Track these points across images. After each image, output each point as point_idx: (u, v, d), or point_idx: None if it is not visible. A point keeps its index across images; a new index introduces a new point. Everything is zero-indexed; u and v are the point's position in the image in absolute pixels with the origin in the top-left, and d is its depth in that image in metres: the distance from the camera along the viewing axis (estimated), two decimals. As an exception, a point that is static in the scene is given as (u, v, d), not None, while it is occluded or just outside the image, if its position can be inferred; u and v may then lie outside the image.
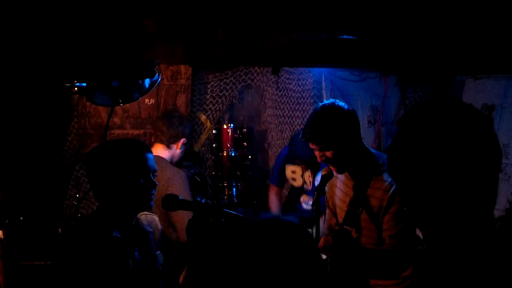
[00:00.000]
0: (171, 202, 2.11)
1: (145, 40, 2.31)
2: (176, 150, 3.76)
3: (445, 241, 1.22)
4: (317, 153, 2.71)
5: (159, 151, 3.69)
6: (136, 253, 2.19)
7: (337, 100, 2.73)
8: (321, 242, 2.70)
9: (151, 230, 2.35)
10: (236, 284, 1.21)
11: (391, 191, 2.61)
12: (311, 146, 2.71)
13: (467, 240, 1.19)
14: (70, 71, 2.91)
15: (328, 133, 2.62)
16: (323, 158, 2.68)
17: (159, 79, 3.15)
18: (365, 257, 2.71)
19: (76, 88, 3.71)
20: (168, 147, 3.73)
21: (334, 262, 2.75)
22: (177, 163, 3.93)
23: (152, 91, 4.79)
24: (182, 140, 3.76)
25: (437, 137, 1.21)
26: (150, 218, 2.40)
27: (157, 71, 3.11)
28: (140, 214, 2.32)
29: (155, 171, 2.24)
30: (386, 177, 2.65)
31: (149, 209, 2.23)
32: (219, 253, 1.32)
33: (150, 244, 2.29)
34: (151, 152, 2.27)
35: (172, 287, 2.38)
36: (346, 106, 2.69)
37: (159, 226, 2.43)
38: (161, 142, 3.73)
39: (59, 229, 3.68)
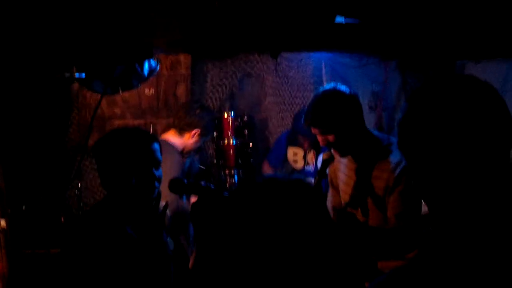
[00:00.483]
0: (177, 186, 2.13)
1: (143, 23, 2.29)
2: (189, 139, 3.77)
3: (452, 217, 1.21)
4: (319, 137, 2.71)
5: (170, 136, 3.72)
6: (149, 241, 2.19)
7: (338, 84, 2.71)
8: None
9: (164, 218, 2.34)
10: (247, 251, 1.19)
11: (397, 171, 2.59)
12: (313, 130, 2.70)
13: (474, 217, 1.18)
14: (68, 59, 2.90)
15: (329, 117, 2.61)
16: (325, 142, 2.68)
17: (158, 68, 3.15)
18: (370, 236, 2.70)
19: (75, 79, 3.73)
20: (180, 133, 3.74)
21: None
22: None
23: (151, 81, 4.81)
24: (196, 131, 3.77)
25: (449, 110, 1.20)
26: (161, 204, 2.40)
27: (156, 59, 3.10)
28: None
29: (159, 162, 2.24)
30: (392, 159, 2.63)
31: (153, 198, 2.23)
32: (226, 223, 1.30)
33: (162, 231, 2.29)
34: (158, 142, 2.26)
35: (182, 273, 2.39)
36: (347, 90, 2.68)
37: (168, 213, 2.43)
38: (175, 127, 3.76)
39: (62, 218, 3.69)
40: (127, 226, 2.12)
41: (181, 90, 4.88)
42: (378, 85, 4.78)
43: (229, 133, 4.75)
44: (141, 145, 2.17)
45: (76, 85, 4.50)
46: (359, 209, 2.72)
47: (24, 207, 3.38)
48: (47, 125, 4.55)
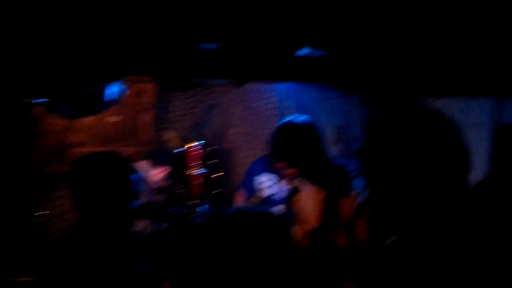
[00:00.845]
0: (146, 212, 2.14)
1: (107, 50, 2.28)
2: (158, 174, 3.76)
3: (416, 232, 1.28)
4: (288, 170, 2.77)
5: (143, 164, 3.70)
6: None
7: (297, 116, 2.79)
8: None
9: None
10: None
11: (361, 197, 2.67)
12: (280, 165, 2.76)
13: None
14: (33, 84, 2.86)
15: (292, 152, 2.68)
16: (294, 174, 2.74)
17: (122, 94, 3.13)
18: (339, 258, 2.75)
19: (39, 103, 3.68)
20: (153, 165, 3.73)
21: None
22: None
23: (116, 108, 4.78)
24: (166, 168, 3.76)
25: (402, 136, 1.28)
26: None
27: (122, 85, 3.10)
28: None
29: (137, 193, 2.25)
30: (355, 184, 2.72)
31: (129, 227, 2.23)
32: (194, 253, 1.31)
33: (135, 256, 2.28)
34: (135, 173, 2.27)
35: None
36: (306, 121, 2.76)
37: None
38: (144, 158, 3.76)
39: (28, 246, 3.61)
40: (99, 253, 2.11)
41: (145, 119, 4.85)
42: (343, 118, 4.86)
43: (196, 163, 4.73)
44: (122, 172, 2.18)
45: (38, 111, 4.41)
46: (328, 235, 2.77)
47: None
48: (8, 150, 4.44)
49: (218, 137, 5.14)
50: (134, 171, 2.28)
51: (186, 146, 4.69)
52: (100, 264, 2.09)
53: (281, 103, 4.76)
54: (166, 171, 3.76)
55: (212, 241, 1.25)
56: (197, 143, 4.71)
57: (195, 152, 4.68)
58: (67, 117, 2.79)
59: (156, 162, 3.73)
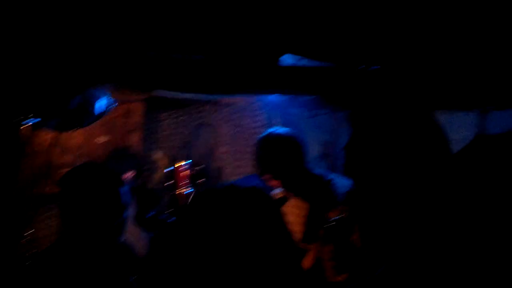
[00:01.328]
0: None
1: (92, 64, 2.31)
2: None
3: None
4: (273, 181, 2.81)
5: None
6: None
7: (278, 128, 2.85)
8: None
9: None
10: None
11: (349, 200, 2.72)
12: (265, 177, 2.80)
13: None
14: (16, 100, 2.88)
15: (273, 164, 2.72)
16: (274, 185, 2.77)
17: (112, 106, 3.17)
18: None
19: (23, 124, 3.69)
20: None
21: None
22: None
23: (104, 129, 4.80)
24: (132, 173, 3.76)
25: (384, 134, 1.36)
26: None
27: (110, 98, 3.13)
28: None
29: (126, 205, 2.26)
30: (338, 191, 2.75)
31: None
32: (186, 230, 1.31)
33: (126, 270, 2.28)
34: (123, 186, 2.28)
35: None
36: (287, 133, 2.81)
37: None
38: None
39: (14, 266, 3.59)
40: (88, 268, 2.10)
41: (135, 138, 4.87)
42: (330, 135, 4.91)
43: (185, 182, 4.74)
44: (111, 181, 2.20)
45: (26, 131, 4.43)
46: (312, 244, 2.79)
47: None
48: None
49: (206, 156, 5.16)
50: (122, 182, 2.29)
51: (175, 166, 4.71)
52: (91, 277, 2.09)
53: (268, 120, 4.81)
54: (131, 174, 3.76)
55: (204, 214, 1.26)
56: (185, 162, 4.73)
57: (183, 172, 4.70)
58: (56, 130, 2.80)
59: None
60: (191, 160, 4.96)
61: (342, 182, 2.83)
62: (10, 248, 4.41)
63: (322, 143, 4.90)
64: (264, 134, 2.86)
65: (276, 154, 2.73)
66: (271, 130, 2.87)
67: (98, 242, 2.16)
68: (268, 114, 4.82)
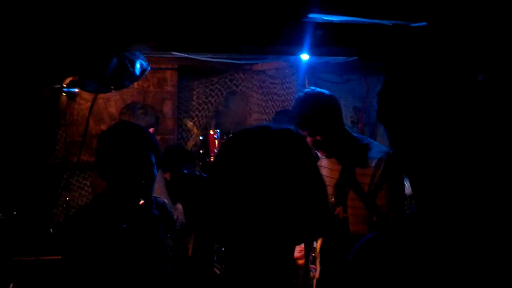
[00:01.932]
0: (178, 175, 2.19)
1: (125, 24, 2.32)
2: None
3: (433, 185, 1.23)
4: (308, 138, 2.81)
5: None
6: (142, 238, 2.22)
7: (316, 88, 2.86)
8: None
9: (158, 214, 2.37)
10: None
11: (381, 166, 2.71)
12: (302, 133, 2.80)
13: (457, 185, 1.20)
14: (57, 65, 2.95)
15: (313, 120, 2.72)
16: (314, 142, 2.78)
17: (149, 68, 3.23)
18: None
19: (64, 91, 3.78)
20: None
21: (324, 252, 2.83)
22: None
23: (138, 98, 4.89)
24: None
25: (427, 78, 1.22)
26: (160, 201, 2.44)
27: (147, 60, 3.19)
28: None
29: (160, 161, 2.31)
30: (372, 155, 2.76)
31: (147, 197, 2.27)
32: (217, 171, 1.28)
33: (158, 227, 2.33)
34: (155, 147, 2.31)
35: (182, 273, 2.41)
36: (326, 92, 2.82)
37: (169, 210, 2.47)
38: None
39: (50, 230, 3.71)
40: (123, 222, 2.16)
41: (167, 107, 4.95)
42: (360, 101, 4.91)
43: (216, 150, 4.80)
44: (148, 140, 2.25)
45: (64, 101, 4.55)
46: (341, 207, 2.81)
47: (15, 213, 3.38)
48: (35, 140, 4.57)
49: (238, 124, 5.22)
50: (155, 144, 2.31)
51: (207, 133, 4.77)
52: (121, 235, 2.14)
53: (299, 88, 4.82)
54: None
55: (236, 154, 1.22)
56: (217, 130, 4.79)
57: (215, 139, 4.76)
58: (94, 91, 2.86)
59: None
60: (218, 129, 5.03)
61: (377, 148, 2.83)
62: (47, 216, 4.55)
63: (352, 108, 4.91)
64: (302, 92, 2.86)
65: (315, 111, 2.73)
66: (309, 89, 2.88)
67: (129, 200, 2.21)
68: (298, 81, 4.83)
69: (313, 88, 2.89)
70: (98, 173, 2.26)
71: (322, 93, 2.81)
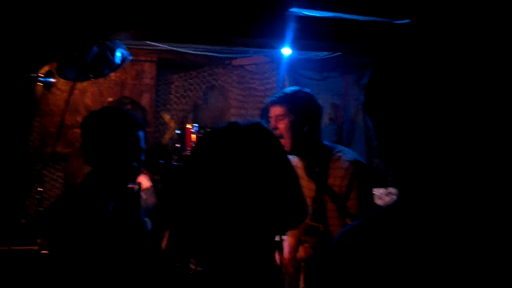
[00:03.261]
0: (153, 165, 2.18)
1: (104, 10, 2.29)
2: None
3: (414, 173, 1.24)
4: (272, 120, 2.75)
5: None
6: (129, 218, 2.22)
7: (304, 88, 2.85)
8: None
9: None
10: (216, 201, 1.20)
11: (351, 170, 2.68)
12: (273, 112, 2.75)
13: (437, 173, 1.21)
14: (37, 53, 2.90)
15: (295, 100, 2.69)
16: (277, 127, 2.71)
17: (130, 57, 3.19)
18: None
19: (40, 81, 3.72)
20: None
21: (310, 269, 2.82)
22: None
23: (115, 89, 4.84)
24: None
25: (414, 70, 1.23)
26: (138, 185, 2.43)
27: (127, 49, 3.15)
28: None
29: (143, 149, 2.30)
30: (344, 159, 2.74)
31: (133, 181, 2.28)
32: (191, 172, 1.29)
33: (139, 210, 2.34)
34: (144, 130, 2.30)
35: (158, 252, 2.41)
36: (316, 98, 2.82)
37: (144, 195, 2.47)
38: None
39: (22, 220, 3.65)
40: (108, 204, 2.14)
41: (145, 100, 4.90)
42: (339, 98, 4.93)
43: (192, 145, 4.79)
44: (132, 124, 2.24)
45: (39, 91, 4.47)
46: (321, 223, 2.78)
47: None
48: (9, 130, 4.48)
49: (216, 118, 5.20)
50: (142, 126, 2.31)
51: (185, 127, 4.75)
52: (107, 216, 2.13)
53: (278, 83, 4.83)
54: None
55: (209, 155, 1.24)
56: (194, 124, 4.77)
57: (192, 134, 4.74)
58: (73, 79, 2.82)
59: None
60: (197, 124, 5.01)
61: (349, 154, 2.79)
62: (19, 206, 4.48)
63: (330, 105, 4.93)
64: (289, 89, 2.82)
65: (302, 98, 2.68)
66: (296, 87, 2.84)
67: (114, 184, 2.20)
68: (278, 76, 4.84)
69: (299, 87, 2.87)
70: (84, 159, 2.24)
71: (312, 96, 2.80)
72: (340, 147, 2.88)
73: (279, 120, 2.70)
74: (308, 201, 2.80)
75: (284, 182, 1.24)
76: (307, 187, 2.79)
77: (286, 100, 2.70)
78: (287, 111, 2.69)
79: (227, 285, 1.21)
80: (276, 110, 2.71)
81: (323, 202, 2.74)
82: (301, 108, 2.68)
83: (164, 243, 2.16)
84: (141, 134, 2.29)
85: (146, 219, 2.39)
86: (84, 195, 2.16)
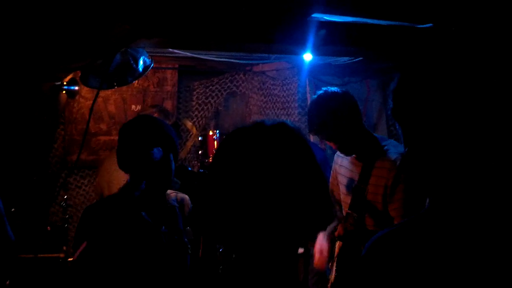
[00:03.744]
0: (183, 173, 2.21)
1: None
2: None
3: (446, 182, 1.23)
4: (327, 142, 2.82)
5: None
6: (162, 226, 2.24)
7: (330, 88, 2.80)
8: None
9: (177, 205, 2.41)
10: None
11: (396, 168, 2.63)
12: (314, 138, 2.81)
13: (468, 182, 1.21)
14: (58, 60, 2.94)
15: (327, 127, 2.67)
16: (333, 146, 2.77)
17: (152, 65, 3.22)
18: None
19: (64, 89, 3.77)
20: None
21: (343, 255, 2.81)
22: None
23: (138, 97, 4.88)
24: None
25: (442, 77, 1.22)
26: (181, 196, 2.46)
27: (150, 57, 3.18)
28: (171, 192, 2.41)
29: (177, 153, 2.36)
30: (390, 156, 2.69)
31: (168, 187, 2.32)
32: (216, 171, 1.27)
33: (177, 218, 2.35)
34: (179, 138, 2.35)
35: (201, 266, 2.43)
36: (339, 91, 2.77)
37: (190, 204, 2.49)
38: None
39: (48, 227, 3.70)
40: (143, 212, 2.17)
41: (167, 107, 4.93)
42: (360, 103, 4.88)
43: (214, 151, 4.81)
44: (166, 132, 2.29)
45: (63, 99, 4.53)
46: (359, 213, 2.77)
47: (13, 209, 3.37)
48: (34, 138, 4.55)
49: (238, 125, 5.21)
50: (176, 135, 2.35)
51: (207, 133, 4.77)
52: (142, 224, 2.17)
53: (299, 89, 4.83)
54: None
55: (233, 154, 1.20)
56: (216, 131, 4.79)
57: (214, 140, 4.76)
58: (97, 87, 2.85)
59: None
60: (222, 129, 5.03)
61: (395, 149, 2.75)
62: (45, 214, 4.53)
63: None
64: (316, 95, 2.79)
65: (332, 115, 2.65)
66: (322, 90, 2.81)
67: (154, 187, 2.23)
68: (299, 82, 4.83)
69: (325, 88, 2.83)
70: (119, 164, 2.26)
71: (336, 93, 2.74)
72: (387, 141, 2.85)
73: (324, 142, 2.77)
74: (349, 191, 2.80)
75: (311, 183, 1.21)
76: (353, 177, 2.80)
77: (319, 133, 2.73)
78: (323, 136, 2.73)
79: None
80: (315, 138, 2.77)
81: (364, 191, 2.72)
82: (330, 120, 2.66)
83: (200, 251, 2.18)
84: (176, 141, 2.33)
85: (187, 228, 2.40)
86: (118, 202, 2.19)
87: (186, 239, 2.34)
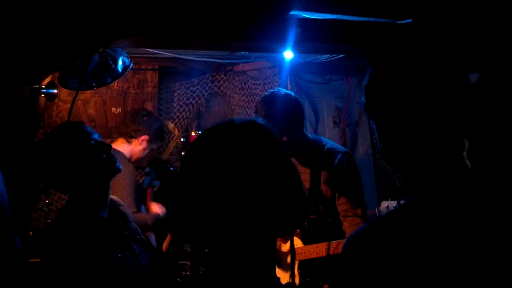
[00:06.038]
0: (163, 171, 2.17)
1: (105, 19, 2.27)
2: (137, 146, 3.78)
3: (421, 175, 1.24)
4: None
5: (119, 145, 3.73)
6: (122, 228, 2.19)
7: (281, 89, 2.89)
8: None
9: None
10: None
11: (343, 165, 2.84)
12: None
13: (443, 174, 1.22)
14: (39, 63, 2.89)
15: (281, 121, 2.74)
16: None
17: (132, 65, 3.19)
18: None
19: (43, 92, 3.70)
20: (128, 141, 3.76)
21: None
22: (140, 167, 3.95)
23: (118, 99, 4.83)
24: (144, 137, 3.79)
25: (412, 70, 1.23)
26: (114, 198, 2.37)
27: (129, 57, 3.15)
28: None
29: (98, 137, 2.21)
30: (330, 153, 2.90)
31: (118, 171, 2.18)
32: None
33: (128, 219, 2.30)
34: (85, 125, 2.23)
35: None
36: (292, 94, 2.88)
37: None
38: (122, 135, 3.78)
39: (30, 232, 3.64)
40: (98, 238, 2.06)
41: (148, 109, 4.89)
42: (342, 101, 4.92)
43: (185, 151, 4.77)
44: (75, 139, 2.14)
45: (42, 103, 4.46)
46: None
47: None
48: (13, 142, 4.48)
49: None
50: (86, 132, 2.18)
51: (189, 135, 4.74)
52: (98, 248, 2.03)
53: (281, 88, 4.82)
54: (144, 139, 3.76)
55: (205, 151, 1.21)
56: (197, 132, 4.76)
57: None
58: (76, 89, 2.80)
59: (132, 136, 3.75)
60: (199, 131, 5.00)
61: (337, 148, 2.94)
62: (27, 219, 4.46)
63: (334, 109, 4.92)
64: (268, 92, 2.89)
65: (285, 112, 2.74)
66: (275, 89, 2.90)
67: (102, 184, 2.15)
68: (281, 81, 4.83)
69: (278, 88, 2.93)
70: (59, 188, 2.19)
71: (289, 95, 2.85)
72: (325, 139, 3.00)
73: None
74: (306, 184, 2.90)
75: (283, 178, 1.20)
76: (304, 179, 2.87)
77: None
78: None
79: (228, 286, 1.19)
80: None
81: (317, 193, 2.84)
82: (285, 126, 2.74)
83: (164, 245, 2.13)
84: (87, 130, 2.17)
85: (135, 228, 2.35)
86: (69, 226, 2.08)
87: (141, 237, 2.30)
